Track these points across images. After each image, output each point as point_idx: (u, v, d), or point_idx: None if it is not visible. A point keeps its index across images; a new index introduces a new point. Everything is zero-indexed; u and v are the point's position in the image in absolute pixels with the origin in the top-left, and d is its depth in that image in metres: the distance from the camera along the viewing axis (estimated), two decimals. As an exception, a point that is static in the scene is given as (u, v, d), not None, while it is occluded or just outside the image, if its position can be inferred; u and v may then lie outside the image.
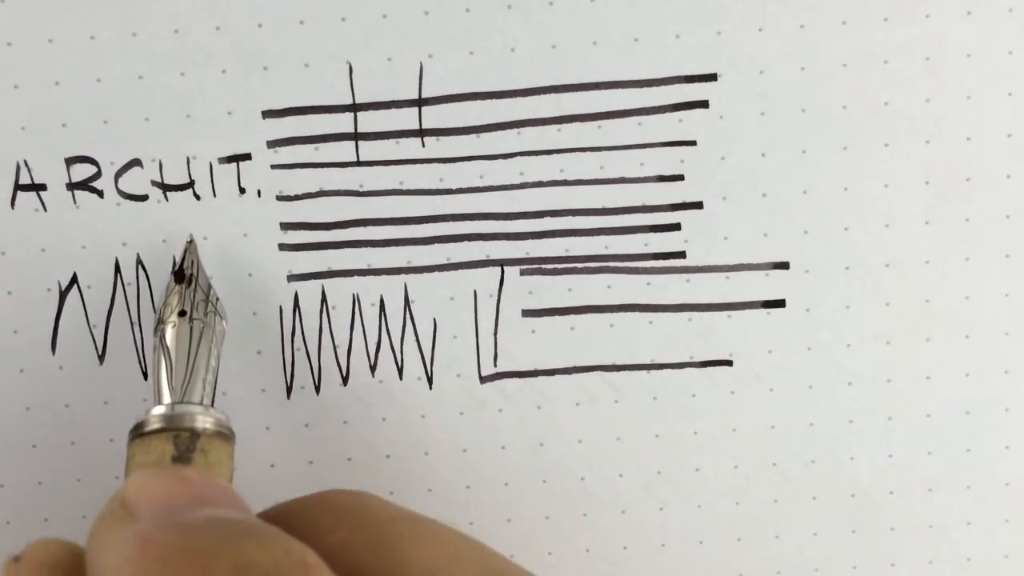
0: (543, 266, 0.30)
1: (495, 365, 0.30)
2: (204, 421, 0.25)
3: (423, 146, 0.29)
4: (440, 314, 0.30)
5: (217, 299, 0.28)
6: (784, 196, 0.30)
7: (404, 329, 0.30)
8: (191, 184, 0.29)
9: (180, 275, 0.28)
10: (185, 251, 0.29)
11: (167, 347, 0.27)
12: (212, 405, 0.26)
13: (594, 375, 0.30)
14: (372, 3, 0.28)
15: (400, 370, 0.30)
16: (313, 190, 0.29)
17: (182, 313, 0.27)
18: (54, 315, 0.29)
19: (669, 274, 0.30)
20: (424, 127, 0.29)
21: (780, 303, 0.30)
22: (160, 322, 0.27)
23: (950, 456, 0.31)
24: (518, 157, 0.29)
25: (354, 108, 0.29)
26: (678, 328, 0.30)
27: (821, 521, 0.31)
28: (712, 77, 0.29)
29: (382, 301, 0.30)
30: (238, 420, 0.29)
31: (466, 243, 0.30)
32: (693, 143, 0.29)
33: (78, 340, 0.29)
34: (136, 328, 0.29)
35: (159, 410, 0.25)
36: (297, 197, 0.29)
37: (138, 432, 0.25)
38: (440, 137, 0.29)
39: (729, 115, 0.29)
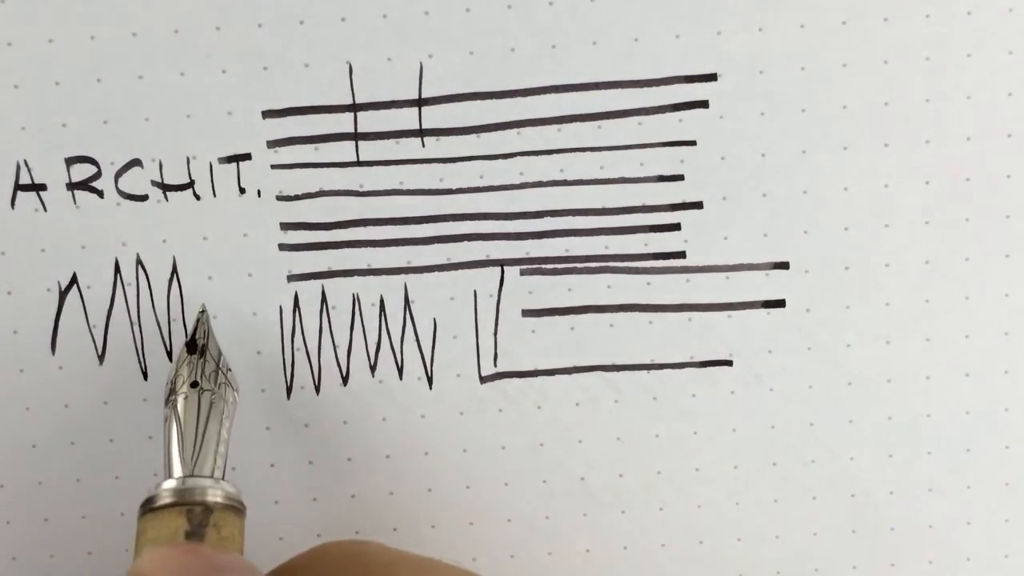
0: (543, 266, 0.30)
1: (495, 365, 0.30)
2: (215, 495, 0.24)
3: (423, 146, 0.29)
4: (440, 314, 0.30)
5: (228, 370, 0.28)
6: (784, 196, 0.29)
7: (404, 329, 0.30)
8: (191, 184, 0.29)
9: (192, 346, 0.28)
10: (197, 321, 0.29)
11: (179, 418, 0.26)
12: (223, 478, 0.25)
13: (594, 375, 0.30)
14: (372, 3, 0.28)
15: (400, 370, 0.30)
16: (313, 190, 0.29)
17: (194, 384, 0.27)
18: (54, 315, 0.29)
19: (669, 274, 0.30)
20: (424, 127, 0.29)
21: (780, 303, 0.30)
22: (172, 392, 0.27)
23: (950, 456, 0.31)
24: (518, 157, 0.29)
25: (354, 108, 0.29)
26: (678, 328, 0.30)
27: (821, 521, 0.31)
28: (712, 77, 0.29)
29: (382, 301, 0.30)
30: (238, 420, 0.29)
31: (466, 243, 0.30)
32: (693, 143, 0.29)
33: (78, 340, 0.29)
34: (136, 328, 0.29)
35: (170, 484, 0.25)
36: (297, 197, 0.29)
37: (149, 507, 0.24)
38: (440, 137, 0.29)
39: (729, 115, 0.29)
